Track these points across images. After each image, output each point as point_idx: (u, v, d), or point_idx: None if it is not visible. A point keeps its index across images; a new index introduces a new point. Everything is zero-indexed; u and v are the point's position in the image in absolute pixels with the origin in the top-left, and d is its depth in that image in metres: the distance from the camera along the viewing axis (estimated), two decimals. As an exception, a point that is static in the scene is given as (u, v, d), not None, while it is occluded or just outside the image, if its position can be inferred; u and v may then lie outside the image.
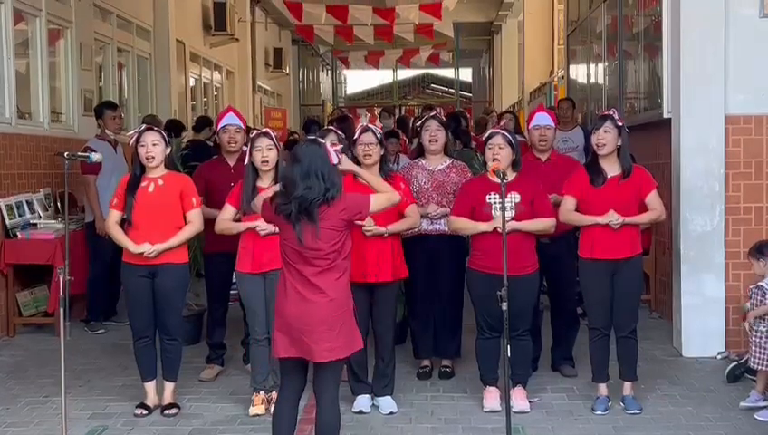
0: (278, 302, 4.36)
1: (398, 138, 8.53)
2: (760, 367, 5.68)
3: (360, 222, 5.46)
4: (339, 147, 4.56)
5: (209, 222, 5.85)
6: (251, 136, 5.80)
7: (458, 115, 11.23)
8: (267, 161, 5.59)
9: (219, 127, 6.61)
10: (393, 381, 5.93)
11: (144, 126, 5.86)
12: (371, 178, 4.75)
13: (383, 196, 4.58)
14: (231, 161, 6.51)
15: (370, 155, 5.77)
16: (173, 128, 10.20)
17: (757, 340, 5.69)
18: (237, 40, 17.82)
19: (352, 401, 5.80)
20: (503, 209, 4.91)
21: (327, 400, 4.39)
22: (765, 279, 5.74)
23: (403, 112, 25.28)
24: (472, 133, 11.52)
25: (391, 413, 5.75)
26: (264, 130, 5.86)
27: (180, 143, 9.35)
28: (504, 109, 22.46)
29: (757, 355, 5.68)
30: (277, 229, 4.54)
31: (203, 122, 11.44)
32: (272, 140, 5.64)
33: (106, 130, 8.30)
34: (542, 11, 19.99)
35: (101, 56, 11.59)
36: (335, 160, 4.31)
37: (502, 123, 7.72)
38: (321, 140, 4.45)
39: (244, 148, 6.52)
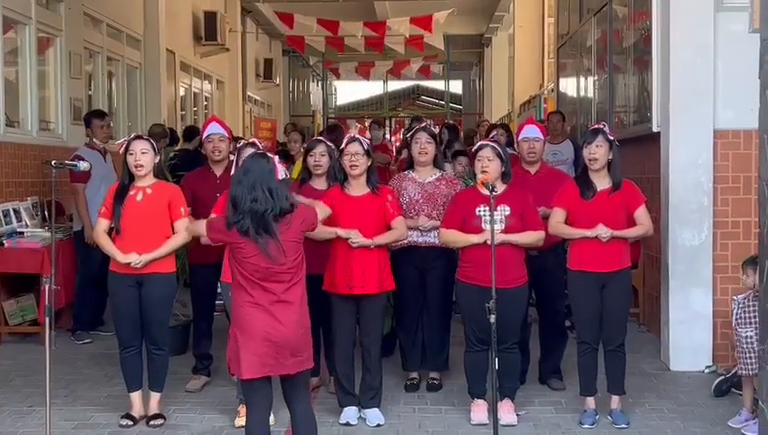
0: (242, 323, 4.27)
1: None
2: (748, 372, 5.66)
3: (345, 234, 5.48)
4: (285, 165, 4.59)
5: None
6: (237, 147, 5.78)
7: (455, 126, 11.30)
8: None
9: (204, 136, 6.60)
10: (380, 393, 5.92)
11: (133, 135, 5.85)
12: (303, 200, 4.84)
13: (322, 208, 4.81)
14: (217, 171, 6.49)
15: (357, 165, 5.76)
16: (173, 136, 10.26)
17: (743, 347, 5.69)
18: (228, 50, 17.83)
19: (339, 413, 5.78)
20: (491, 222, 4.91)
21: (302, 410, 4.44)
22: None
23: (393, 124, 25.32)
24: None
25: (378, 425, 5.73)
26: (250, 140, 5.85)
27: (170, 152, 9.36)
28: (495, 121, 22.57)
29: (746, 361, 5.66)
30: None
31: (192, 132, 11.44)
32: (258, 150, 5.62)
33: (94, 139, 8.28)
34: (533, 24, 20.05)
35: (91, 65, 11.57)
36: (281, 176, 4.33)
37: (492, 135, 7.72)
38: (269, 156, 4.47)
39: (231, 157, 6.51)
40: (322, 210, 4.83)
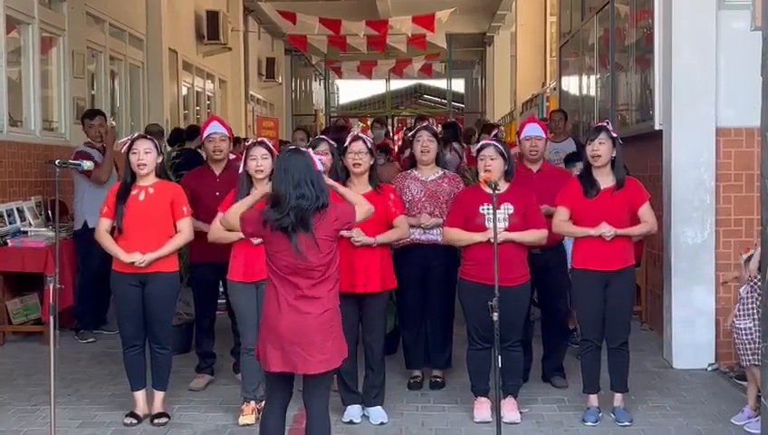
0: (269, 316, 4.29)
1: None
2: (749, 363, 5.66)
3: (347, 233, 5.47)
4: (321, 156, 4.55)
5: (196, 233, 5.83)
6: (246, 145, 5.79)
7: (456, 123, 11.33)
8: (262, 170, 5.57)
9: (204, 136, 6.60)
10: (383, 392, 5.92)
11: (136, 133, 5.86)
12: (347, 192, 4.74)
13: (363, 208, 4.61)
14: (217, 170, 6.50)
15: (360, 164, 5.77)
16: (177, 136, 10.27)
17: (741, 338, 5.70)
18: (230, 49, 17.84)
19: (342, 412, 5.78)
20: (494, 220, 4.92)
21: (318, 410, 4.39)
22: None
23: (396, 123, 25.33)
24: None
25: (382, 423, 5.74)
26: (259, 139, 5.85)
27: (172, 152, 9.37)
28: (496, 120, 22.59)
29: (746, 352, 5.67)
30: None
31: (193, 132, 11.46)
32: (267, 149, 5.63)
33: (88, 138, 8.33)
34: (535, 23, 20.04)
35: (94, 64, 11.58)
36: (320, 168, 4.31)
37: (493, 134, 7.73)
38: (302, 148, 4.46)
39: (231, 156, 6.52)
40: (364, 209, 4.64)
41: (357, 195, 4.86)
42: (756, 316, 5.54)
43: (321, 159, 4.41)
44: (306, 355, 4.21)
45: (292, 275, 4.21)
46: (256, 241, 5.37)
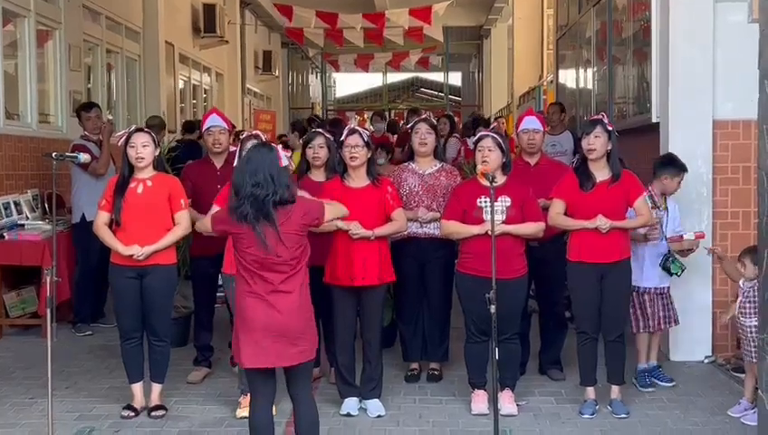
0: (243, 313, 4.31)
1: None
2: (751, 359, 5.67)
3: (345, 226, 5.48)
4: (289, 152, 4.60)
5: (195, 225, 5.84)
6: (241, 138, 5.79)
7: (452, 115, 11.32)
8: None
9: (204, 129, 6.61)
10: (381, 385, 5.93)
11: (133, 127, 5.86)
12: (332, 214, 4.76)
13: (335, 207, 4.73)
14: (217, 163, 6.51)
15: (356, 157, 5.77)
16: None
17: (746, 336, 5.70)
18: (227, 42, 17.80)
19: (340, 404, 5.79)
20: (492, 212, 4.92)
21: (303, 399, 4.45)
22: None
23: (393, 116, 25.29)
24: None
25: (379, 416, 5.74)
26: (254, 132, 5.85)
27: (171, 143, 9.37)
28: (493, 113, 22.58)
29: (751, 351, 5.67)
30: None
31: (190, 127, 11.50)
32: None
33: (85, 131, 8.31)
34: (532, 16, 20.02)
35: (90, 57, 11.56)
36: (285, 163, 4.34)
37: (492, 126, 7.73)
38: (271, 144, 4.50)
39: (232, 148, 6.52)
40: (337, 209, 4.79)
41: (333, 203, 4.93)
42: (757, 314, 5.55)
43: (287, 155, 4.44)
44: (283, 349, 4.26)
45: (262, 269, 4.24)
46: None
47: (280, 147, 4.51)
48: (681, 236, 6.30)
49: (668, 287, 6.36)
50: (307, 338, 4.36)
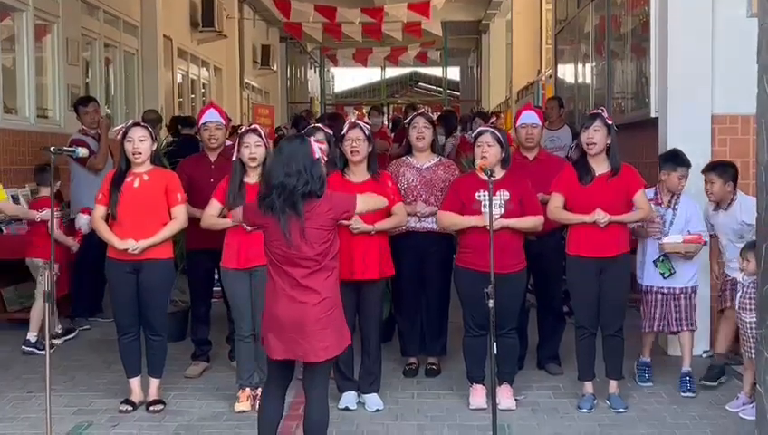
0: (268, 304, 4.33)
1: None
2: (750, 355, 5.66)
3: (346, 221, 5.46)
4: (324, 145, 4.56)
5: (191, 220, 5.84)
6: (239, 132, 5.78)
7: (453, 113, 11.31)
8: (255, 158, 5.58)
9: (200, 124, 6.60)
10: (379, 379, 5.94)
11: (131, 121, 5.85)
12: (366, 206, 4.70)
13: (372, 198, 4.66)
14: (212, 157, 6.50)
15: (357, 151, 5.76)
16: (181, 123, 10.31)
17: (746, 332, 5.69)
18: (225, 36, 17.79)
19: (338, 398, 5.79)
20: (490, 206, 4.92)
21: (317, 397, 4.39)
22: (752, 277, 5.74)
23: (391, 111, 25.29)
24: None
25: (377, 410, 5.75)
26: (252, 126, 5.84)
27: (168, 138, 9.36)
28: (492, 108, 22.56)
29: (747, 345, 5.67)
30: None
31: (184, 121, 11.51)
32: (260, 136, 5.64)
33: (82, 126, 8.30)
34: (531, 10, 20.01)
35: (88, 52, 11.55)
36: (317, 155, 4.30)
37: (491, 121, 7.74)
38: (306, 137, 4.47)
39: (228, 142, 6.52)
40: (373, 200, 4.71)
41: (375, 200, 4.89)
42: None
43: (320, 147, 4.41)
44: (305, 344, 4.22)
45: (286, 264, 4.22)
46: (249, 228, 5.39)
47: (313, 138, 4.48)
48: (700, 236, 6.20)
49: (688, 288, 6.21)
50: (332, 335, 4.28)
